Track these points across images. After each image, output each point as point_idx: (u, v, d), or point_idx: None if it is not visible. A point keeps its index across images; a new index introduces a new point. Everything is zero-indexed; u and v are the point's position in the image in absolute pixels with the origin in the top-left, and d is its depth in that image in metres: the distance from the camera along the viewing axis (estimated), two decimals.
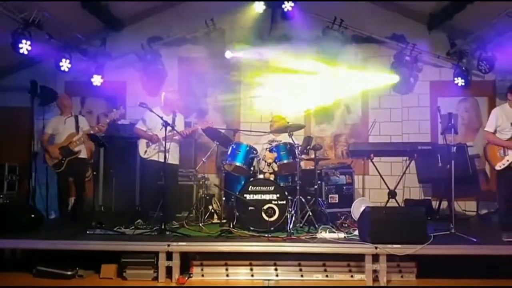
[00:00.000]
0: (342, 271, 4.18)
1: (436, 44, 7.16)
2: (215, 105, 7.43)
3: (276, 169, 5.22)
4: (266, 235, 4.55)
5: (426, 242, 4.07)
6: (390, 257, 4.05)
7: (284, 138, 5.46)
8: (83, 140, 5.71)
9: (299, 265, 4.21)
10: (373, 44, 7.26)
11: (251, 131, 6.20)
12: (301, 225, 4.92)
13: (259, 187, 4.90)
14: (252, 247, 4.20)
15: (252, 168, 5.29)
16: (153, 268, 4.14)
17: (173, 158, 5.39)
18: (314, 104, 7.25)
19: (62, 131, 5.75)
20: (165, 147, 4.95)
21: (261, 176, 5.12)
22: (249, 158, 5.26)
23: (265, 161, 5.21)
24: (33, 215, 5.03)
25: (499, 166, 4.97)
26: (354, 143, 6.98)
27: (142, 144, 5.48)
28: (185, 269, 4.19)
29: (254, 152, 5.29)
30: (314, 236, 4.50)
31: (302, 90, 7.29)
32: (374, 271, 4.05)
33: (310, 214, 4.91)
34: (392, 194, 5.81)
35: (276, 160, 5.19)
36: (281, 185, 5.14)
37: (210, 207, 5.81)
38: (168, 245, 4.14)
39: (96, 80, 6.94)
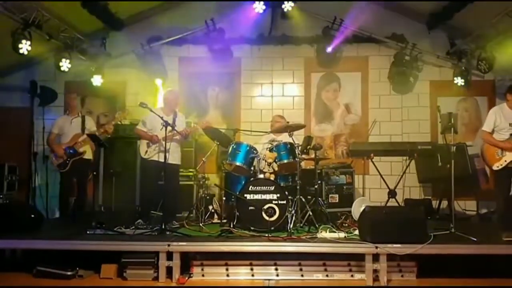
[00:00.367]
0: (343, 270, 4.18)
1: (436, 43, 7.17)
2: (216, 105, 7.43)
3: (276, 168, 5.22)
4: (267, 235, 4.55)
5: (426, 241, 4.06)
6: (391, 257, 4.05)
7: (284, 137, 5.47)
8: (88, 140, 5.69)
9: (300, 264, 4.20)
10: (373, 44, 7.26)
11: (251, 130, 6.19)
12: (301, 225, 4.92)
13: (260, 187, 4.89)
14: (252, 247, 4.20)
15: (252, 168, 5.27)
16: (153, 268, 4.13)
17: (174, 158, 5.37)
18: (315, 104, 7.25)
19: (68, 131, 5.75)
20: (165, 147, 4.95)
21: (261, 175, 5.11)
22: (249, 157, 5.25)
23: (265, 161, 5.20)
24: (33, 215, 5.01)
25: (496, 166, 4.94)
26: (354, 142, 6.98)
27: (143, 144, 5.47)
28: (186, 269, 4.18)
29: (254, 151, 5.27)
30: (314, 236, 4.49)
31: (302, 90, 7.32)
32: (375, 271, 4.05)
33: (311, 213, 4.91)
34: (392, 193, 5.82)
35: (276, 160, 5.18)
36: (281, 184, 5.14)
37: (211, 207, 5.80)
38: (169, 245, 4.14)
39: (96, 80, 6.93)
